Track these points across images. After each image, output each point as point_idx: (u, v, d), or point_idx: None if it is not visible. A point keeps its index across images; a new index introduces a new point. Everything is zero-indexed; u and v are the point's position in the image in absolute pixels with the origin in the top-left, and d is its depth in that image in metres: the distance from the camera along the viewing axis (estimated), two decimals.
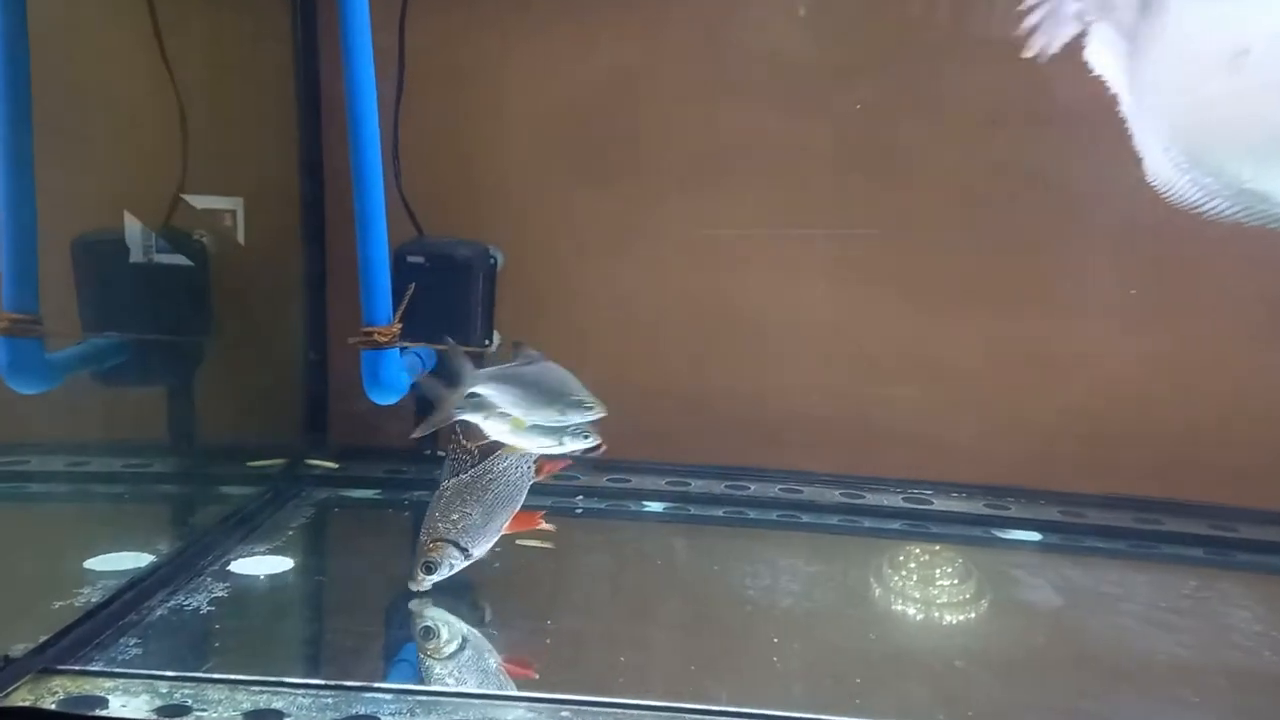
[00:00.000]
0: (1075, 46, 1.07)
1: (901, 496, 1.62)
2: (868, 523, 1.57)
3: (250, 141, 1.67)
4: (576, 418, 1.19)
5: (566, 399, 1.19)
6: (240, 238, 1.59)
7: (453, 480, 1.18)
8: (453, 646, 1.11)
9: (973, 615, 1.26)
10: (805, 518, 1.59)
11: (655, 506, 1.63)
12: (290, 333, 1.70)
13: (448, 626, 1.15)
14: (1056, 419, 1.61)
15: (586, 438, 1.21)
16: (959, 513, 1.57)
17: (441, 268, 1.56)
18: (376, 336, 1.32)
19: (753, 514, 1.60)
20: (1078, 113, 1.34)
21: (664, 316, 1.72)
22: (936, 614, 1.27)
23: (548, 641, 1.15)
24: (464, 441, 1.21)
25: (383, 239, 1.33)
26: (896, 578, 1.34)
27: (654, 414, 1.71)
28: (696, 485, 1.67)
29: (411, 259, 1.53)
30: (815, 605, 1.26)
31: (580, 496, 1.63)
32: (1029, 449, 1.62)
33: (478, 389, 1.20)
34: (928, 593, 1.31)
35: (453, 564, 1.14)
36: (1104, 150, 1.11)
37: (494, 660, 1.10)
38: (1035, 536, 1.52)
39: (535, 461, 1.22)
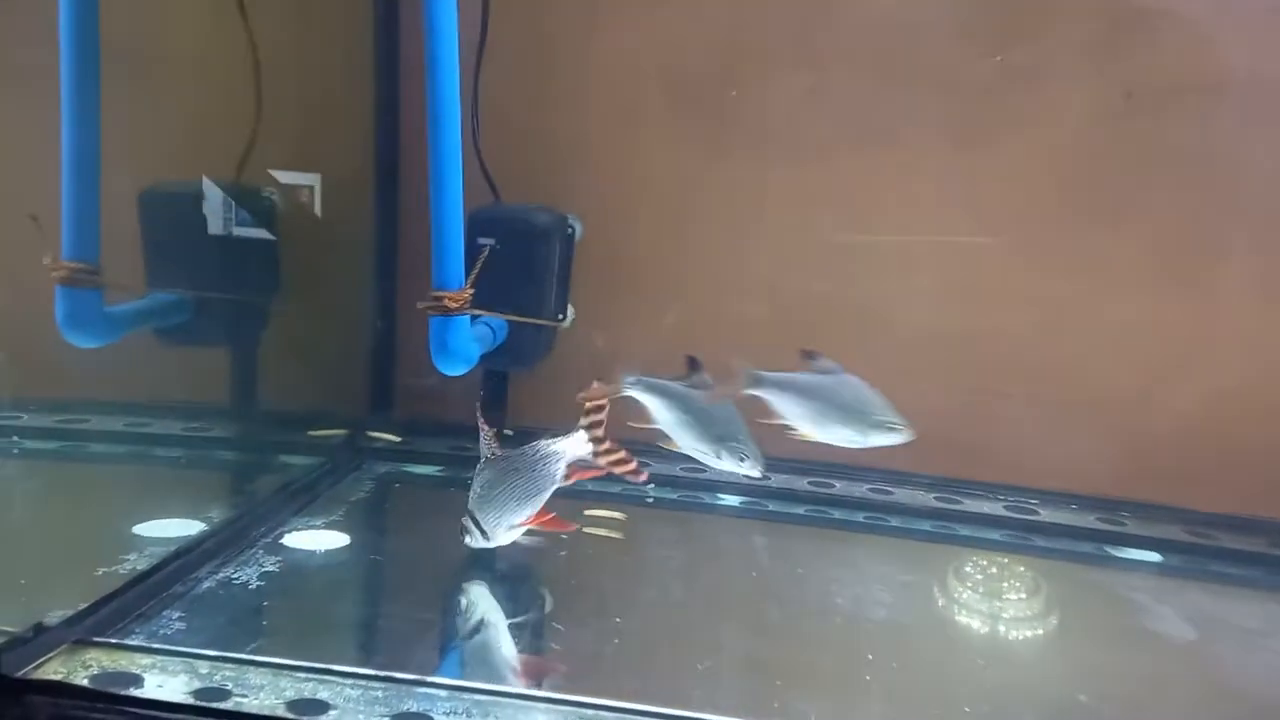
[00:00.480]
0: None
1: (1003, 505, 1.48)
2: (964, 530, 1.44)
3: (326, 100, 1.60)
4: (880, 439, 1.13)
5: (869, 418, 1.12)
6: (317, 211, 1.53)
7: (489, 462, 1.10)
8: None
9: (1094, 643, 1.13)
10: (894, 521, 1.47)
11: (731, 500, 1.52)
12: (359, 299, 1.62)
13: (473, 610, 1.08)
14: (1184, 426, 1.46)
15: (743, 460, 1.13)
16: (1068, 525, 1.43)
17: (517, 234, 1.46)
18: (446, 302, 1.23)
19: (837, 514, 1.49)
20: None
21: (754, 296, 1.60)
22: (1050, 639, 1.13)
23: (616, 642, 1.05)
24: (482, 424, 1.12)
25: (457, 201, 1.24)
26: (1003, 594, 1.20)
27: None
28: (777, 480, 1.56)
29: (486, 224, 1.44)
30: (912, 619, 1.14)
31: (652, 485, 1.53)
32: (1150, 458, 1.47)
33: (759, 392, 1.13)
34: (1030, 611, 1.17)
35: (469, 536, 1.08)
36: None
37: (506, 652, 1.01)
38: (1155, 557, 1.37)
39: (569, 465, 1.10)
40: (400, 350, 1.68)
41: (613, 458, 1.09)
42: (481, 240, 1.39)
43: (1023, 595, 1.18)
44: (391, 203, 1.64)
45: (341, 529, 1.26)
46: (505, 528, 1.09)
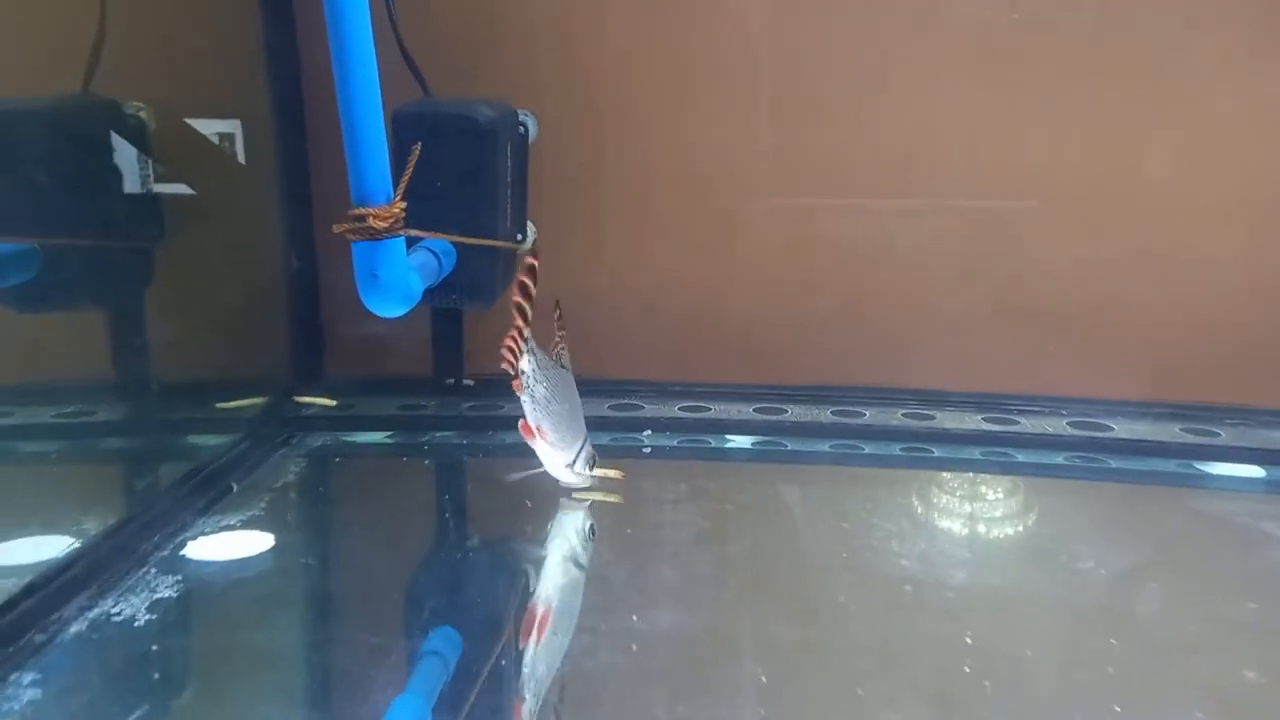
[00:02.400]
0: None
1: (1067, 421, 1.24)
2: (1021, 457, 1.20)
3: None
4: None
5: None
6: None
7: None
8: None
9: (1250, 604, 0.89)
10: (938, 451, 1.22)
11: (742, 441, 1.27)
12: (265, 236, 1.32)
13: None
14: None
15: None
16: (1147, 441, 1.19)
17: (457, 135, 1.16)
18: (371, 221, 0.93)
19: (869, 449, 1.24)
20: None
21: (746, 197, 1.33)
22: (1185, 590, 0.90)
23: (634, 648, 0.79)
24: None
25: (372, 87, 0.93)
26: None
27: (736, 323, 1.35)
28: (795, 412, 1.31)
29: (413, 124, 1.13)
30: (1007, 584, 0.90)
31: (648, 431, 1.27)
32: (1239, 353, 1.23)
33: None
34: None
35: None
36: None
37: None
38: (1259, 473, 1.15)
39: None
40: (325, 292, 1.39)
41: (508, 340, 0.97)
42: (412, 123, 1.11)
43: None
44: (294, 113, 1.33)
45: (263, 527, 0.98)
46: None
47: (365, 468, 1.23)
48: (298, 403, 1.29)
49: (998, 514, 1.02)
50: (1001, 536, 0.96)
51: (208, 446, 1.14)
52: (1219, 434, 1.20)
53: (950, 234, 1.29)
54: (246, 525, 0.98)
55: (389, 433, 1.28)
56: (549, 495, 1.04)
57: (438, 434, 1.27)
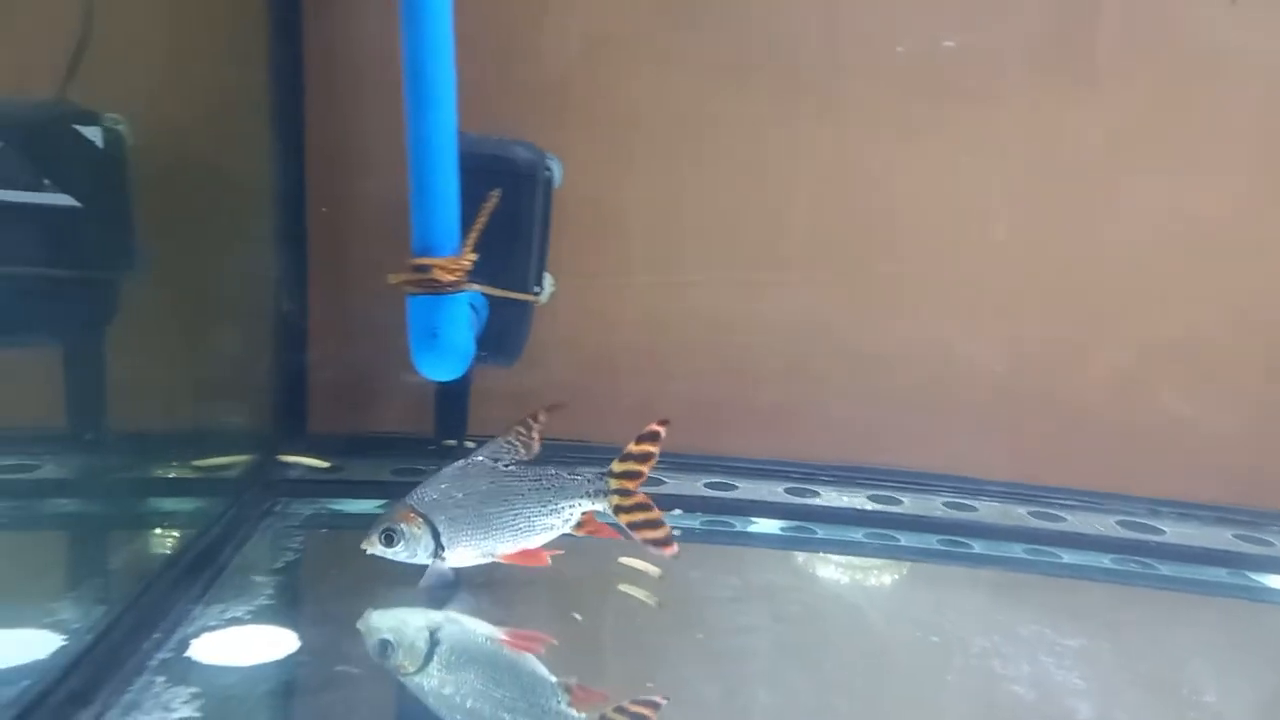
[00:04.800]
0: None
1: (1116, 520, 1.21)
2: (1067, 557, 1.16)
3: None
4: None
5: None
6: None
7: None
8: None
9: None
10: (978, 546, 1.17)
11: (770, 526, 1.18)
12: (254, 271, 1.17)
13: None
14: None
15: None
16: (1199, 548, 1.16)
17: (493, 175, 1.05)
18: (437, 273, 0.82)
19: (904, 539, 1.17)
20: None
21: (772, 250, 1.26)
22: None
23: None
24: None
25: (449, 129, 0.82)
26: None
27: (763, 385, 1.27)
28: (827, 495, 1.23)
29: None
30: None
31: (677, 511, 1.17)
32: None
33: None
34: None
35: (413, 546, 0.86)
36: None
37: None
38: None
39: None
40: (313, 339, 1.24)
41: (639, 517, 0.87)
42: None
43: None
44: (294, 136, 1.19)
45: (278, 621, 0.83)
46: (475, 550, 0.87)
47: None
48: (284, 462, 1.14)
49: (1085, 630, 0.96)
50: (1106, 657, 0.90)
51: (191, 514, 0.98)
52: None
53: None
54: (257, 618, 0.83)
55: (384, 501, 1.14)
56: (593, 581, 0.94)
57: None
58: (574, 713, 0.73)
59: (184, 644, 0.78)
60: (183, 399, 1.08)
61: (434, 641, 0.82)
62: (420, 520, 0.86)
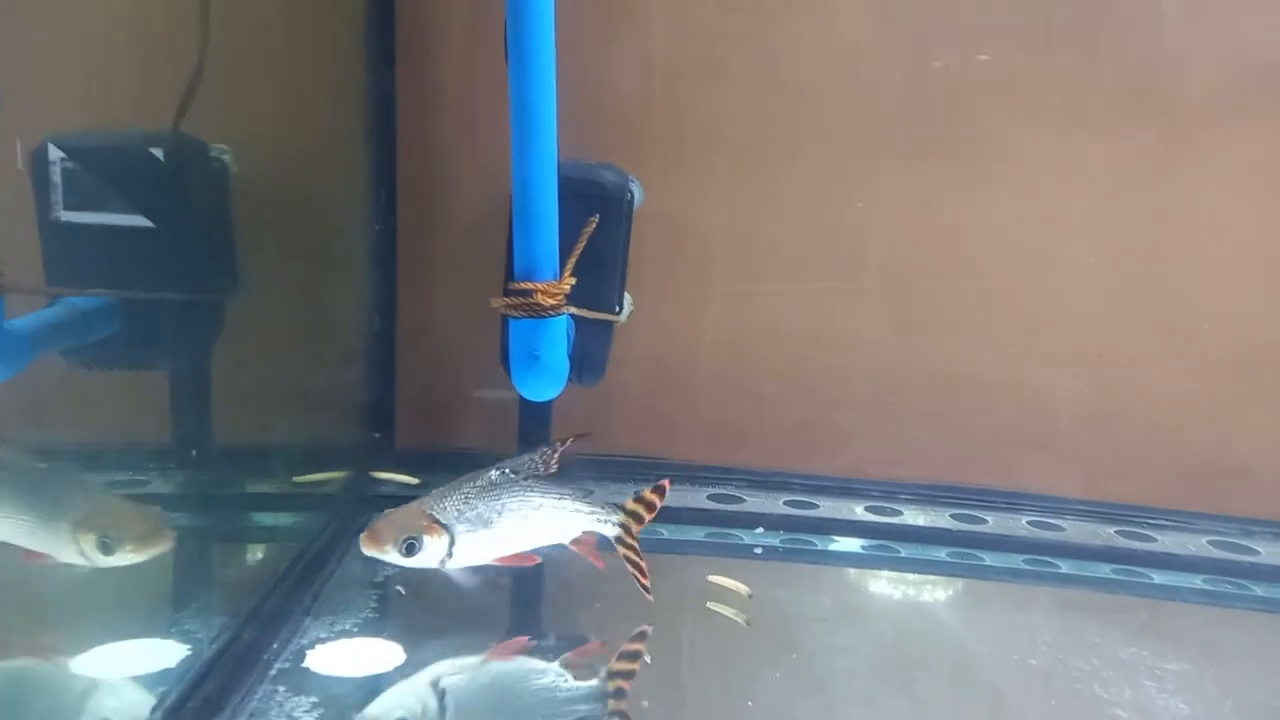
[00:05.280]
0: None
1: (1208, 540, 1.19)
2: (1158, 578, 1.14)
3: (293, 20, 1.17)
4: None
5: None
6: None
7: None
8: None
9: None
10: (1064, 566, 1.16)
11: (852, 545, 1.19)
12: (347, 292, 1.21)
13: None
14: None
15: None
16: None
17: (582, 199, 1.08)
18: (539, 297, 0.84)
19: (989, 559, 1.17)
20: None
21: (850, 271, 1.27)
22: None
23: None
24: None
25: (550, 156, 0.85)
26: None
27: (841, 405, 1.28)
28: (909, 514, 1.23)
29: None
30: None
31: (760, 529, 1.18)
32: None
33: None
34: None
35: (428, 556, 0.84)
36: None
37: None
38: None
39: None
40: (401, 358, 1.27)
41: (633, 556, 0.91)
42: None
43: None
44: (386, 163, 1.23)
45: (382, 634, 0.86)
46: (480, 557, 0.87)
47: None
48: (375, 478, 1.17)
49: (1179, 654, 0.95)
50: (1208, 682, 0.89)
51: (294, 529, 1.02)
52: None
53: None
54: (363, 630, 0.86)
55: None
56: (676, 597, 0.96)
57: None
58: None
59: (300, 654, 0.81)
60: (282, 415, 1.12)
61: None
62: (441, 531, 0.85)
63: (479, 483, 0.88)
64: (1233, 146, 1.20)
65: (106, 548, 0.71)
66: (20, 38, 0.81)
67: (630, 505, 0.91)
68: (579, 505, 0.91)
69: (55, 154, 0.94)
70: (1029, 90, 1.22)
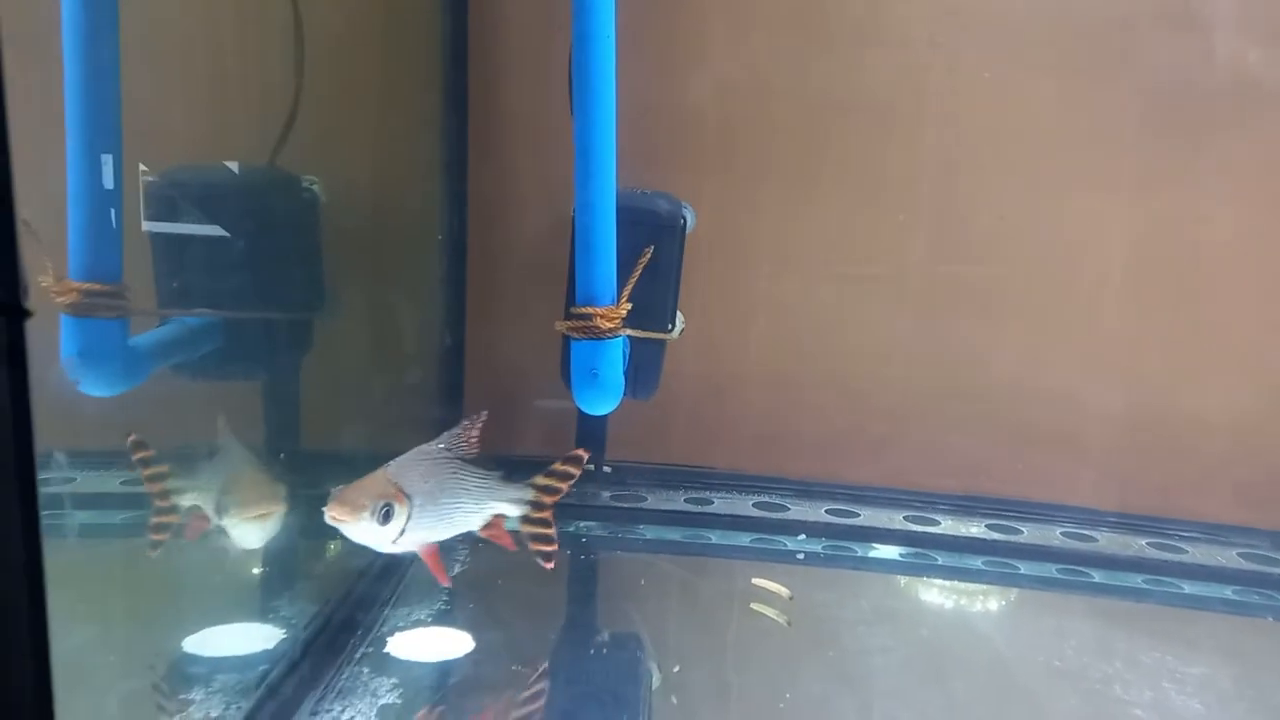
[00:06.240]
0: None
1: (1238, 552, 1.23)
2: (1188, 588, 1.18)
3: (376, 62, 1.27)
4: None
5: None
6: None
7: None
8: None
9: None
10: (1097, 576, 1.21)
11: (890, 552, 1.25)
12: (421, 311, 1.30)
13: None
14: None
15: None
16: None
17: (639, 227, 1.16)
18: (599, 321, 0.92)
19: (1024, 568, 1.22)
20: None
21: (894, 286, 1.33)
22: None
23: None
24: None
25: (609, 188, 0.93)
26: None
27: (884, 417, 1.34)
28: (947, 524, 1.29)
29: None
30: None
31: (803, 536, 1.25)
32: None
33: None
34: None
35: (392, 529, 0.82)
36: None
37: None
38: None
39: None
40: (469, 371, 1.37)
41: (539, 530, 0.89)
42: None
43: None
44: (458, 191, 1.32)
45: (455, 623, 0.95)
46: (418, 540, 0.84)
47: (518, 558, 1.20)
48: None
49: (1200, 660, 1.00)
50: (1227, 684, 0.94)
51: None
52: None
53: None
54: (437, 620, 0.95)
55: None
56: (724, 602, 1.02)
57: (581, 523, 1.25)
58: None
59: (381, 641, 0.90)
60: (363, 423, 1.22)
61: None
62: (406, 503, 0.83)
63: (429, 458, 0.86)
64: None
65: (222, 511, 0.80)
66: (143, 86, 0.92)
67: (540, 481, 0.90)
68: (499, 486, 0.89)
69: (167, 188, 1.06)
70: (1070, 105, 1.27)
